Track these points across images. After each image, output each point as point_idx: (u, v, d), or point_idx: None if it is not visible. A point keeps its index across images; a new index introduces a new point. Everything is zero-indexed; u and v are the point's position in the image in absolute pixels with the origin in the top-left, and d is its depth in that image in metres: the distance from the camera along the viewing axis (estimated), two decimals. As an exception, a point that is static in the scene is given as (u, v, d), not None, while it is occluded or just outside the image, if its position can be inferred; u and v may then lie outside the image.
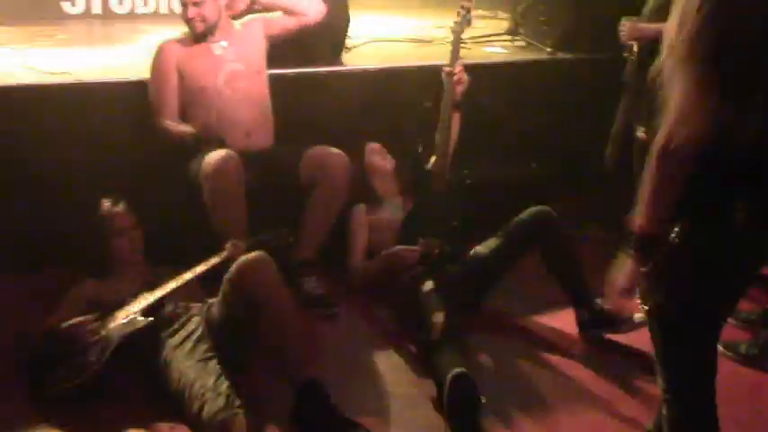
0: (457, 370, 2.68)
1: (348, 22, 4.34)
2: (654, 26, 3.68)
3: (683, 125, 1.65)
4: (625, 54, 3.81)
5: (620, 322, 3.20)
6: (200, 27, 3.51)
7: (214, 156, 3.22)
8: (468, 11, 3.50)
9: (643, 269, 1.83)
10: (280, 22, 3.68)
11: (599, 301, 3.30)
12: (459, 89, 3.46)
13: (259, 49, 3.64)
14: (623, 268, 1.86)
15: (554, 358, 3.19)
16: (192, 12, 3.48)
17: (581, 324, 3.33)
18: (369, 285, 3.50)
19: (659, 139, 1.69)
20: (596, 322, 3.28)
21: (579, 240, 3.52)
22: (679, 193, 1.74)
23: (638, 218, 1.78)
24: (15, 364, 2.83)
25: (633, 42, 3.74)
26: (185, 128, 3.41)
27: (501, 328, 3.38)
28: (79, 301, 2.97)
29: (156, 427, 2.64)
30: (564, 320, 3.39)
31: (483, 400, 2.67)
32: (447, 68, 3.44)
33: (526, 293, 3.61)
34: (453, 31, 3.49)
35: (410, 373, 3.04)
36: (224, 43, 3.56)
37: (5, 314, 3.11)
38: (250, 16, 3.71)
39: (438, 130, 3.41)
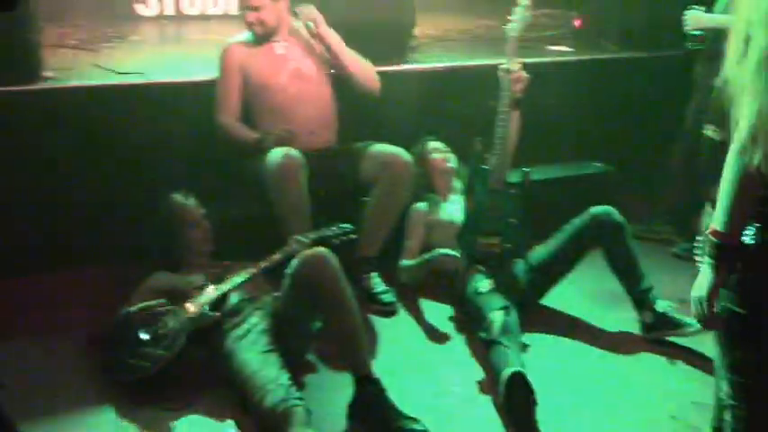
0: (513, 369, 2.69)
1: (414, 21, 4.37)
2: (720, 17, 3.62)
3: (764, 141, 1.60)
4: (688, 44, 3.75)
5: (683, 325, 3.16)
6: (259, 30, 3.60)
7: (278, 153, 3.30)
8: (526, 8, 3.47)
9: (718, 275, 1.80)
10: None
11: (663, 303, 3.26)
12: (518, 87, 3.44)
13: (322, 52, 3.70)
14: (701, 278, 1.79)
15: (614, 359, 3.17)
16: (251, 16, 3.57)
17: (643, 326, 3.29)
18: (415, 284, 3.52)
19: (737, 149, 1.64)
20: (659, 324, 3.24)
21: (643, 240, 3.47)
22: (758, 201, 1.69)
23: (716, 226, 1.73)
24: (89, 352, 2.96)
25: (697, 33, 3.69)
26: (249, 132, 3.51)
27: (561, 328, 3.37)
28: (151, 292, 3.07)
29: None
30: (626, 321, 3.35)
31: (537, 400, 2.67)
32: (504, 66, 3.43)
33: (588, 292, 3.59)
34: (510, 29, 3.46)
35: (469, 370, 3.06)
36: (286, 43, 3.64)
37: (81, 303, 3.25)
38: None
39: (496, 129, 3.40)
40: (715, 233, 1.74)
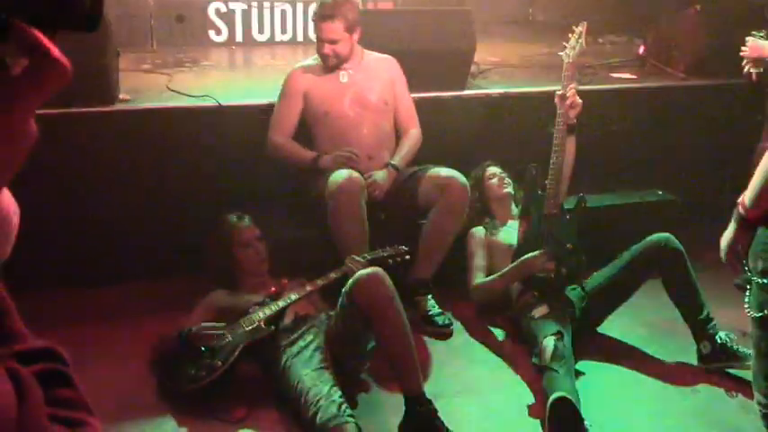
0: (558, 394, 2.68)
1: (474, 48, 4.42)
2: None
3: None
4: (745, 71, 3.70)
5: (743, 357, 3.08)
6: (332, 62, 3.67)
7: (338, 175, 3.37)
8: (581, 35, 3.49)
9: (761, 280, 1.85)
10: (399, 117, 3.78)
11: (722, 334, 3.20)
12: (573, 113, 3.45)
13: (385, 83, 3.75)
14: (727, 236, 2.06)
15: (670, 390, 3.11)
16: (327, 48, 3.62)
17: (701, 356, 3.22)
18: (492, 301, 3.53)
19: None
20: (718, 355, 3.17)
21: (703, 270, 3.40)
22: None
23: (745, 199, 1.98)
24: (151, 363, 3.08)
25: (753, 62, 3.64)
26: (305, 152, 3.61)
27: (617, 356, 3.33)
28: (210, 309, 3.19)
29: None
30: (684, 351, 3.30)
31: (587, 425, 2.65)
32: (559, 92, 3.45)
33: (646, 321, 3.54)
34: (565, 56, 3.49)
35: (520, 394, 3.05)
36: (351, 71, 3.70)
37: (142, 317, 3.38)
38: (389, 56, 3.82)
39: (552, 156, 3.42)
40: (743, 203, 1.99)
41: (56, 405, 0.67)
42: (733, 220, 2.03)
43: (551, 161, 3.41)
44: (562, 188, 3.48)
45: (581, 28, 3.51)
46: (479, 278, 3.51)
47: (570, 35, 3.52)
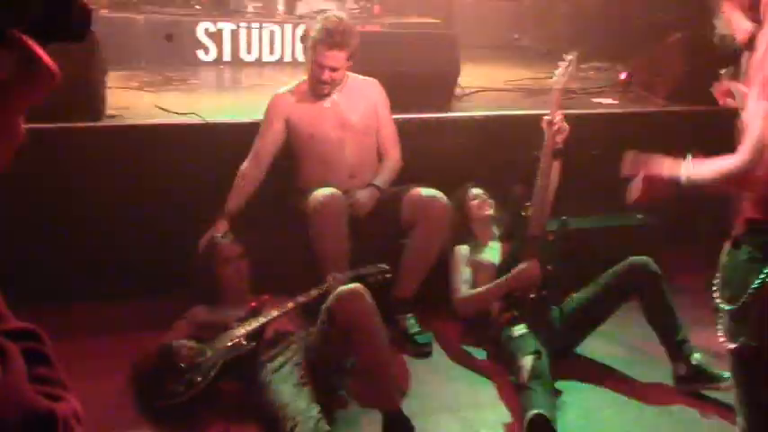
0: (535, 411, 2.71)
1: (458, 71, 4.49)
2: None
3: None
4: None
5: (719, 379, 3.12)
6: (327, 90, 3.66)
7: (320, 193, 3.41)
8: (570, 63, 3.56)
9: (729, 307, 1.87)
10: (381, 141, 3.79)
11: (698, 356, 3.24)
12: (559, 138, 3.51)
13: (368, 107, 3.77)
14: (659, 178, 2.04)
15: (646, 411, 3.15)
16: (326, 75, 3.59)
17: (677, 378, 3.26)
18: (476, 315, 3.55)
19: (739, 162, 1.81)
20: (693, 377, 3.21)
21: (680, 293, 3.45)
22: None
23: (692, 173, 1.95)
24: (131, 378, 3.08)
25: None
26: (233, 206, 3.58)
27: (594, 376, 3.36)
28: (191, 325, 3.21)
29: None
30: (660, 373, 3.33)
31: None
32: (546, 117, 3.51)
33: (623, 342, 3.59)
34: (554, 82, 3.55)
35: (498, 413, 3.08)
36: (335, 96, 3.71)
37: (123, 333, 3.38)
38: (373, 79, 3.84)
39: (537, 180, 3.47)
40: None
41: (35, 381, 0.71)
42: (669, 177, 2.01)
43: (536, 184, 3.47)
44: (545, 211, 3.53)
45: (572, 56, 3.58)
46: (465, 290, 3.54)
47: (560, 63, 3.58)
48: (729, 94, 3.64)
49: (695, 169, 1.96)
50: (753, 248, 1.84)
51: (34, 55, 0.71)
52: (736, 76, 3.66)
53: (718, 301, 1.93)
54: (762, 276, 1.80)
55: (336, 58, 3.56)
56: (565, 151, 3.57)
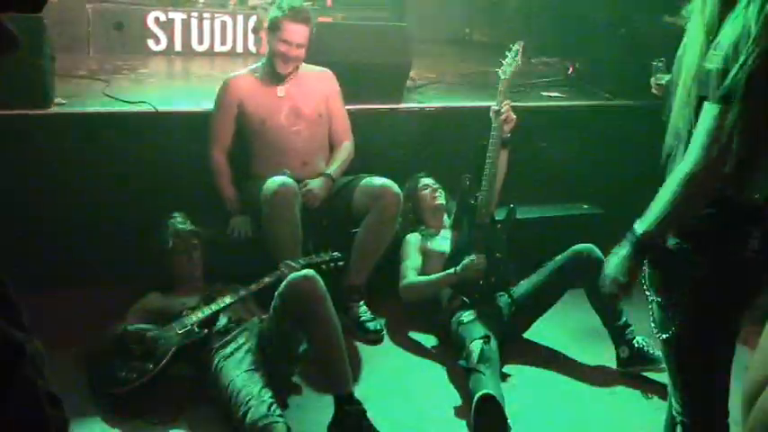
0: (484, 391, 2.78)
1: (410, 63, 4.54)
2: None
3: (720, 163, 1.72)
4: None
5: (659, 361, 3.24)
6: (291, 67, 3.69)
7: (273, 182, 3.43)
8: (517, 53, 3.64)
9: (659, 299, 1.93)
10: (333, 129, 3.85)
11: (639, 339, 3.36)
12: (507, 127, 3.59)
13: (320, 97, 3.81)
14: (621, 264, 1.87)
15: (590, 392, 3.26)
16: (293, 51, 3.62)
17: (620, 360, 3.38)
18: (420, 301, 3.61)
19: (691, 166, 1.74)
20: (635, 359, 3.33)
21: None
22: (694, 215, 1.81)
23: (646, 225, 1.82)
24: (80, 365, 3.06)
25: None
26: (229, 191, 3.68)
27: (541, 360, 3.46)
28: (143, 312, 3.20)
29: None
30: (604, 356, 3.44)
31: (510, 425, 2.76)
32: (494, 107, 3.58)
33: (569, 327, 3.69)
34: (501, 72, 3.62)
35: (448, 396, 3.15)
36: (288, 85, 3.74)
37: (76, 322, 3.35)
38: (326, 70, 3.87)
39: (486, 168, 3.54)
40: (640, 230, 1.83)
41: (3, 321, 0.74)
42: (630, 248, 1.85)
43: (485, 172, 3.54)
44: (494, 199, 3.60)
45: (517, 46, 3.65)
46: (411, 277, 3.59)
47: (507, 53, 3.65)
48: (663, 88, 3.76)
49: (644, 219, 1.84)
50: (681, 239, 1.86)
51: None
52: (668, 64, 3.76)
53: (647, 293, 1.97)
54: (691, 266, 1.85)
55: (302, 32, 3.61)
56: (512, 140, 3.65)
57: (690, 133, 1.79)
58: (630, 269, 1.86)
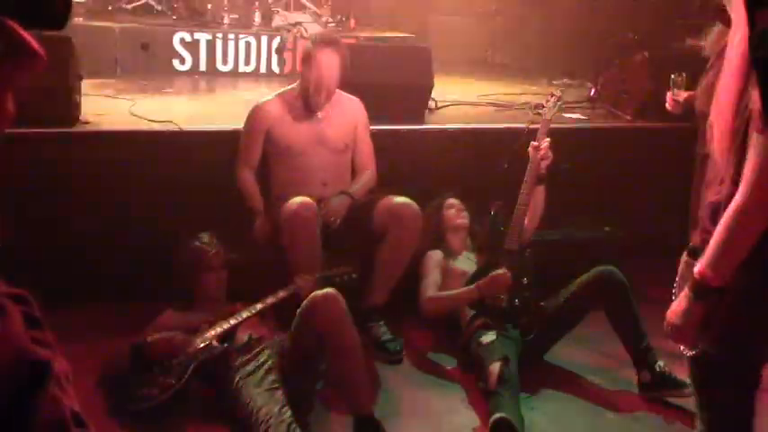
0: (499, 414, 2.76)
1: (432, 84, 4.57)
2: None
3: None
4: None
5: (683, 386, 3.20)
6: (324, 99, 3.69)
7: (294, 201, 3.45)
8: (559, 98, 3.83)
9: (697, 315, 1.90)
10: (357, 158, 3.87)
11: (662, 363, 3.32)
12: (544, 164, 3.65)
13: (348, 126, 3.84)
14: (678, 307, 1.84)
15: (611, 417, 3.22)
16: (327, 80, 3.64)
17: (641, 385, 3.34)
18: (439, 317, 3.61)
19: (739, 199, 1.70)
20: (658, 384, 3.29)
21: (646, 301, 3.53)
22: (750, 249, 1.76)
23: (705, 266, 1.76)
24: (103, 380, 3.08)
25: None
26: (258, 202, 3.71)
27: (561, 383, 3.43)
28: (163, 329, 3.20)
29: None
30: (626, 380, 3.41)
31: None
32: (534, 144, 3.64)
33: (590, 350, 3.66)
34: (544, 113, 3.78)
35: (467, 418, 3.13)
36: (319, 114, 3.77)
37: (96, 337, 3.38)
38: (355, 98, 3.90)
39: (519, 199, 3.59)
40: (699, 271, 1.77)
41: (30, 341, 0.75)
42: (692, 293, 1.79)
43: (518, 202, 3.60)
44: (528, 230, 3.66)
45: (559, 93, 3.89)
46: (432, 292, 3.58)
47: (549, 97, 3.87)
48: (678, 105, 3.76)
49: (702, 259, 1.78)
50: None
51: (21, 37, 0.74)
52: (689, 82, 3.77)
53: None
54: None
55: (334, 62, 3.65)
56: (547, 177, 3.68)
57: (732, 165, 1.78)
58: (685, 312, 1.80)
